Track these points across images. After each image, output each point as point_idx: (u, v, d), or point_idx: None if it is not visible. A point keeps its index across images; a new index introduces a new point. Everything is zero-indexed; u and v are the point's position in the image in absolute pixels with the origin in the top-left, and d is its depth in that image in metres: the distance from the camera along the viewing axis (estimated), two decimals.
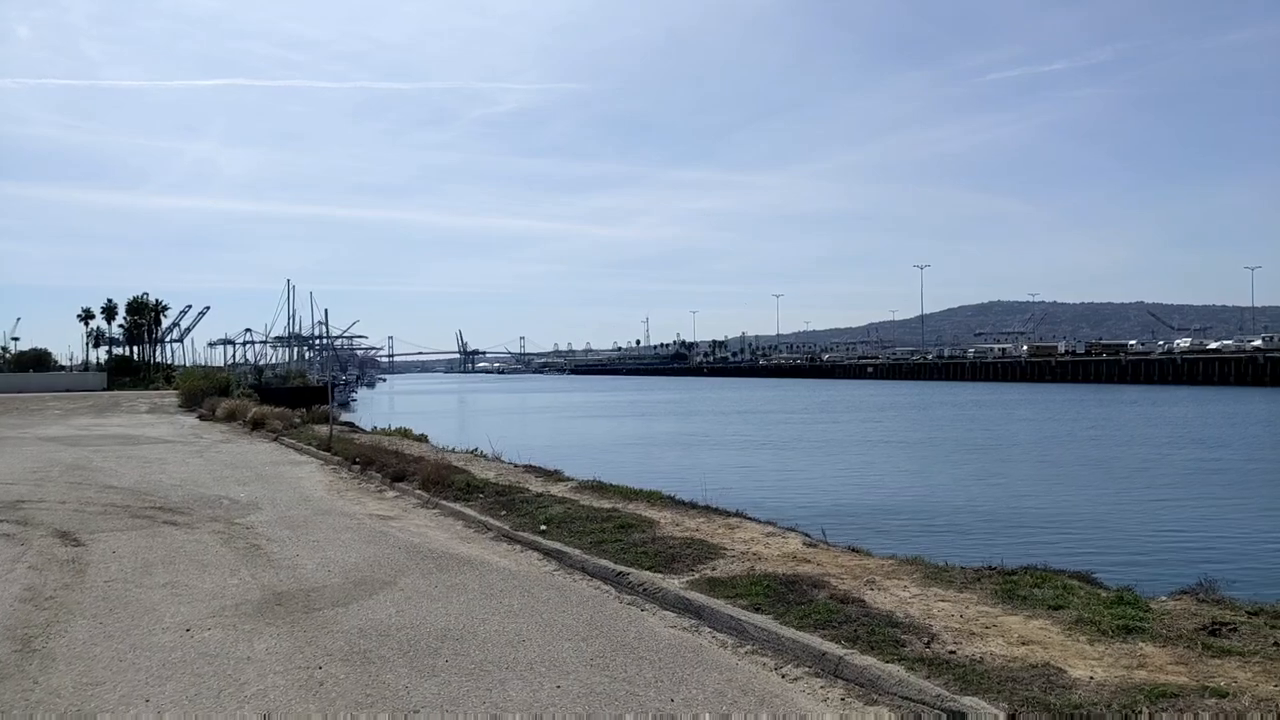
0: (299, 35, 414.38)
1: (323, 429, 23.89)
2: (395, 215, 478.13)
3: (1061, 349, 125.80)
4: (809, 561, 7.38)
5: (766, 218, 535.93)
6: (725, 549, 7.82)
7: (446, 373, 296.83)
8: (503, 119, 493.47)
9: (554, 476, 13.39)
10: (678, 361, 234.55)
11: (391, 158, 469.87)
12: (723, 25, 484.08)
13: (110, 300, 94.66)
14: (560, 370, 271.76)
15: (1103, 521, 18.36)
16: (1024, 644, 5.24)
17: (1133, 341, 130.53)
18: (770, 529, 8.83)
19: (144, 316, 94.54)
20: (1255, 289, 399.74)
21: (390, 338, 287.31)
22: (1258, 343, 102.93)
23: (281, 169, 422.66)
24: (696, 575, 6.91)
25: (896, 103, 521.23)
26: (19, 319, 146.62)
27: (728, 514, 9.66)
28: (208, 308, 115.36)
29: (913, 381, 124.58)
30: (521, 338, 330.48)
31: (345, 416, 67.39)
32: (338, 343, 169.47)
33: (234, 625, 5.90)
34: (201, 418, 33.50)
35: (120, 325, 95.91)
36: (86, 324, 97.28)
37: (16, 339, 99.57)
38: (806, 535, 8.70)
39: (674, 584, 6.71)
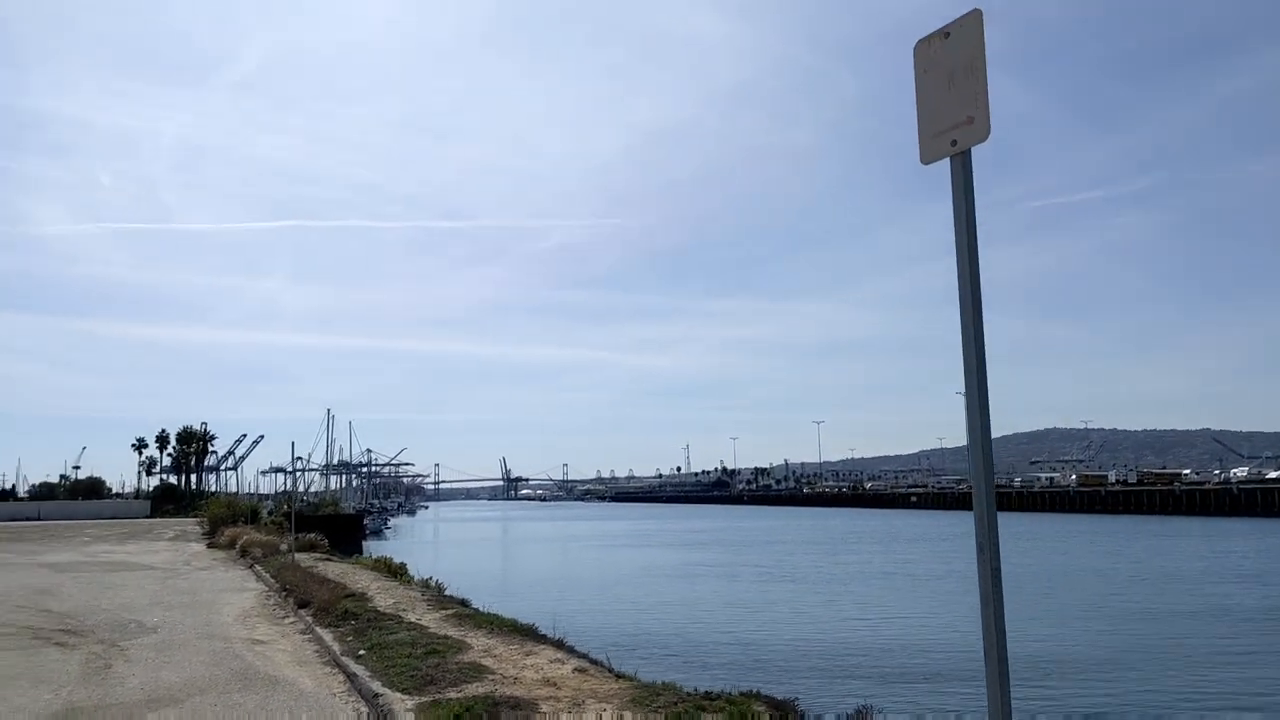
0: (360, 179, 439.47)
1: (299, 557, 25.11)
2: (445, 347, 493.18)
3: (1112, 478, 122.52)
4: (551, 684, 8.20)
5: (810, 345, 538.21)
6: (492, 672, 8.67)
7: (490, 500, 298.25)
8: (549, 254, 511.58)
9: (446, 604, 14.27)
10: (719, 489, 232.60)
11: (443, 293, 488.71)
12: (760, 161, 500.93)
13: (164, 430, 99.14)
14: (601, 497, 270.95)
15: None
16: None
17: (1187, 470, 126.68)
18: (560, 655, 9.63)
19: (191, 445, 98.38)
20: None
21: (437, 465, 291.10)
22: None
23: (340, 304, 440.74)
24: (431, 697, 7.77)
25: (936, 231, 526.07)
26: (84, 449, 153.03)
27: (544, 641, 10.48)
28: (262, 437, 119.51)
29: (956, 511, 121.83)
30: (564, 465, 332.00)
31: (375, 545, 68.89)
32: (385, 470, 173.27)
33: None
34: (209, 545, 34.92)
35: (169, 454, 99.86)
36: (140, 453, 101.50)
37: (78, 468, 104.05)
38: (592, 662, 9.48)
39: (405, 704, 7.59)
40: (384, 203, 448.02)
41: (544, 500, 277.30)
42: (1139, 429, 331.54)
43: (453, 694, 7.84)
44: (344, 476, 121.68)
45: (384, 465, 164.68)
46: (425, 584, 20.67)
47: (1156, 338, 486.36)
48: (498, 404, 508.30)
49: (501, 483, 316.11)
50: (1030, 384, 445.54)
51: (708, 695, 7.82)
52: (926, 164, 3.73)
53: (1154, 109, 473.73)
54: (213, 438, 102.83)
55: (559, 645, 10.43)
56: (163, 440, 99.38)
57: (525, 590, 35.07)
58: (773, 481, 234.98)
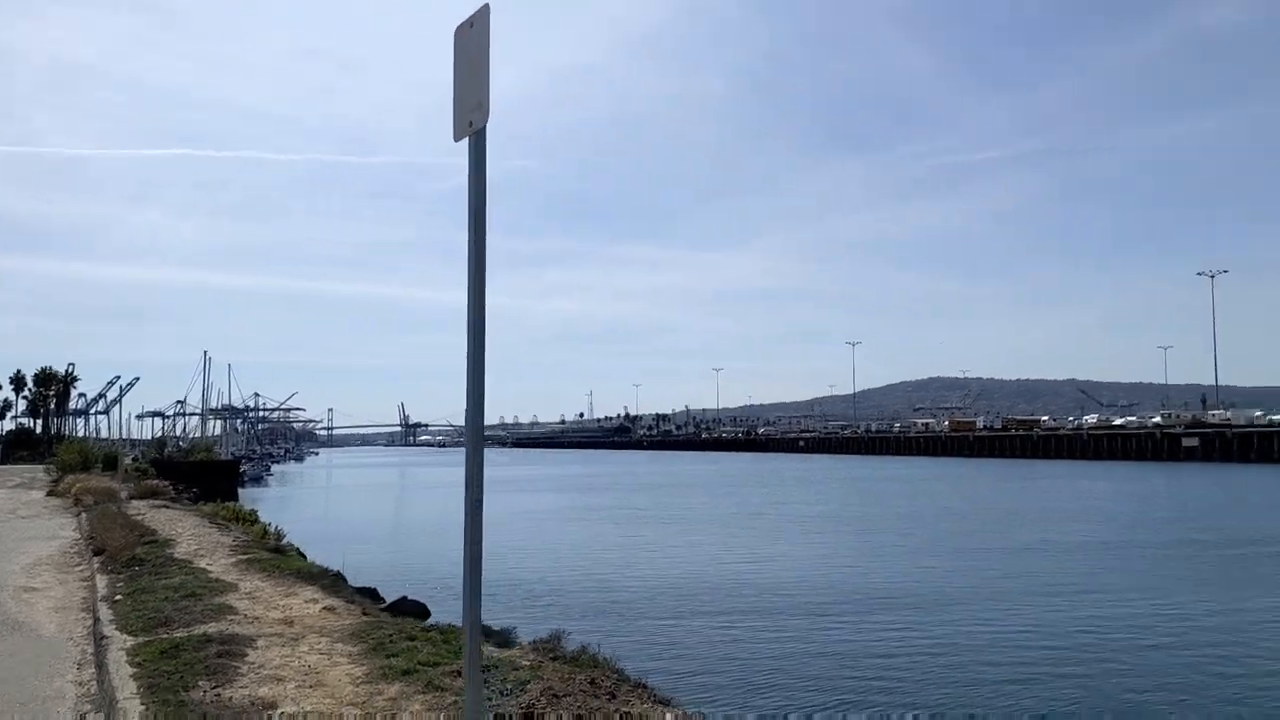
0: (255, 108, 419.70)
1: (137, 505, 24.62)
2: (343, 288, 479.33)
3: (980, 424, 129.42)
4: (287, 623, 8.50)
5: (713, 294, 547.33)
6: (236, 612, 8.91)
7: (388, 445, 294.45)
8: (452, 194, 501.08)
9: (251, 550, 14.35)
10: (621, 435, 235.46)
11: (342, 231, 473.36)
12: (669, 110, 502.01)
13: (19, 371, 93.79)
14: (503, 444, 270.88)
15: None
16: (311, 686, 6.40)
17: (1045, 417, 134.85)
18: (319, 596, 9.93)
19: (51, 388, 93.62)
20: (1174, 367, 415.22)
21: (330, 410, 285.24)
22: (1157, 419, 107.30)
23: (232, 240, 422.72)
24: (159, 637, 7.97)
25: (839, 187, 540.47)
26: None
27: (314, 583, 10.76)
28: (137, 379, 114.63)
29: (839, 455, 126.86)
30: (466, 411, 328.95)
31: (255, 492, 67.44)
32: (273, 415, 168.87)
33: None
34: (50, 493, 33.67)
35: (25, 397, 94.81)
36: None
37: None
38: (349, 602, 9.82)
39: (125, 644, 7.76)
40: (282, 134, 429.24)
41: (443, 446, 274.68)
42: (1013, 378, 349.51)
43: (179, 633, 8.05)
44: (227, 422, 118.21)
45: (272, 410, 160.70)
46: (262, 531, 20.55)
47: (1031, 294, 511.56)
48: (397, 348, 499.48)
49: (399, 429, 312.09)
50: (919, 336, 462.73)
51: (426, 629, 8.25)
52: (456, 141, 4.04)
53: (1045, 76, 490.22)
54: (75, 379, 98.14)
55: (329, 587, 10.73)
56: (18, 382, 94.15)
57: (395, 537, 35.08)
58: (673, 427, 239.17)
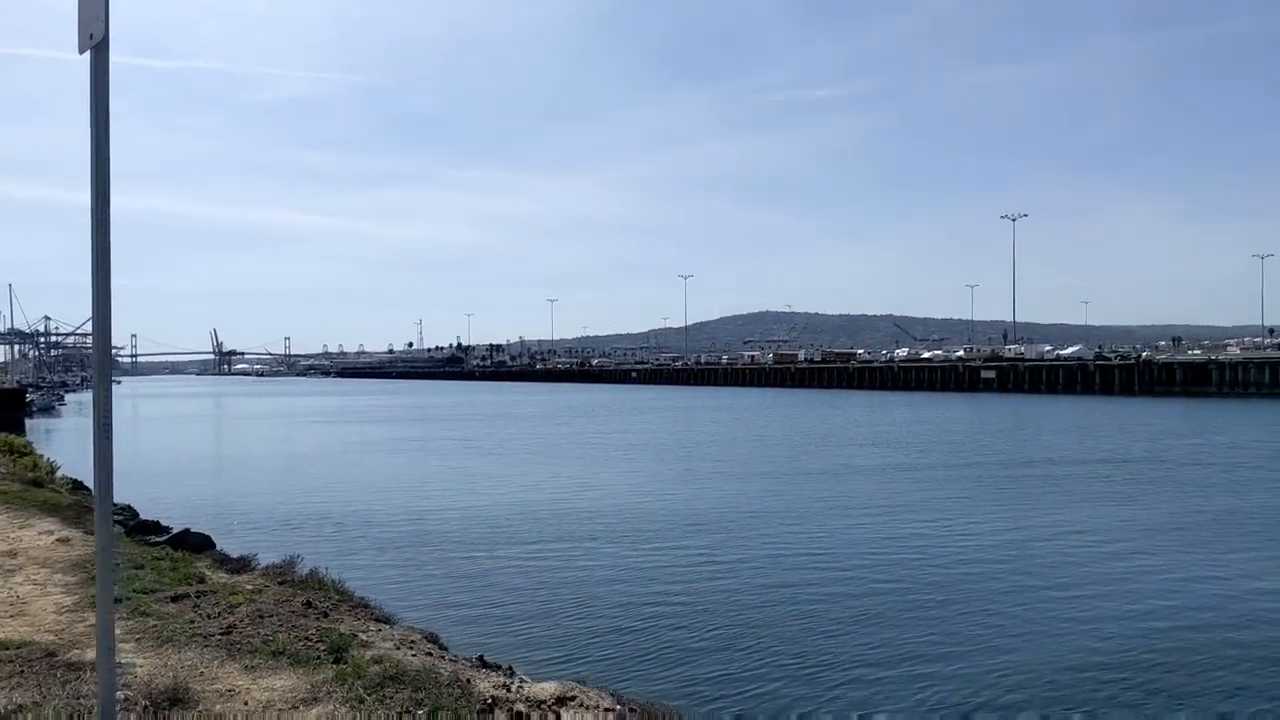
0: (36, 1, 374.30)
1: None
2: (146, 204, 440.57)
3: (801, 356, 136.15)
4: (10, 555, 8.20)
5: (551, 223, 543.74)
6: None
7: (199, 375, 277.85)
8: (275, 107, 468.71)
9: (4, 483, 13.50)
10: (452, 365, 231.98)
11: (142, 141, 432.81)
12: (511, 31, 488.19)
13: None
14: (326, 373, 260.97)
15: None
16: (13, 617, 6.24)
17: (861, 351, 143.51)
18: (55, 528, 9.58)
19: None
20: (984, 303, 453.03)
21: (134, 336, 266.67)
22: (960, 353, 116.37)
23: (7, 146, 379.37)
24: None
25: (678, 117, 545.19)
26: None
27: (54, 515, 10.33)
28: None
29: (671, 386, 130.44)
30: (286, 338, 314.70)
31: (45, 423, 62.50)
32: (67, 341, 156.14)
33: None
34: None
35: None
36: None
37: None
38: (85, 534, 9.50)
39: None
40: (66, 30, 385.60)
41: (261, 375, 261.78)
42: (836, 313, 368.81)
43: None
44: (13, 347, 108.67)
45: (66, 335, 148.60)
46: (31, 464, 19.36)
47: (856, 231, 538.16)
48: (209, 270, 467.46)
49: (212, 356, 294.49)
50: (751, 269, 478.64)
51: (158, 557, 8.14)
52: (81, 54, 3.90)
53: (879, 18, 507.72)
54: None
55: (71, 519, 10.31)
56: None
57: (198, 471, 33.37)
58: (507, 358, 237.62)
